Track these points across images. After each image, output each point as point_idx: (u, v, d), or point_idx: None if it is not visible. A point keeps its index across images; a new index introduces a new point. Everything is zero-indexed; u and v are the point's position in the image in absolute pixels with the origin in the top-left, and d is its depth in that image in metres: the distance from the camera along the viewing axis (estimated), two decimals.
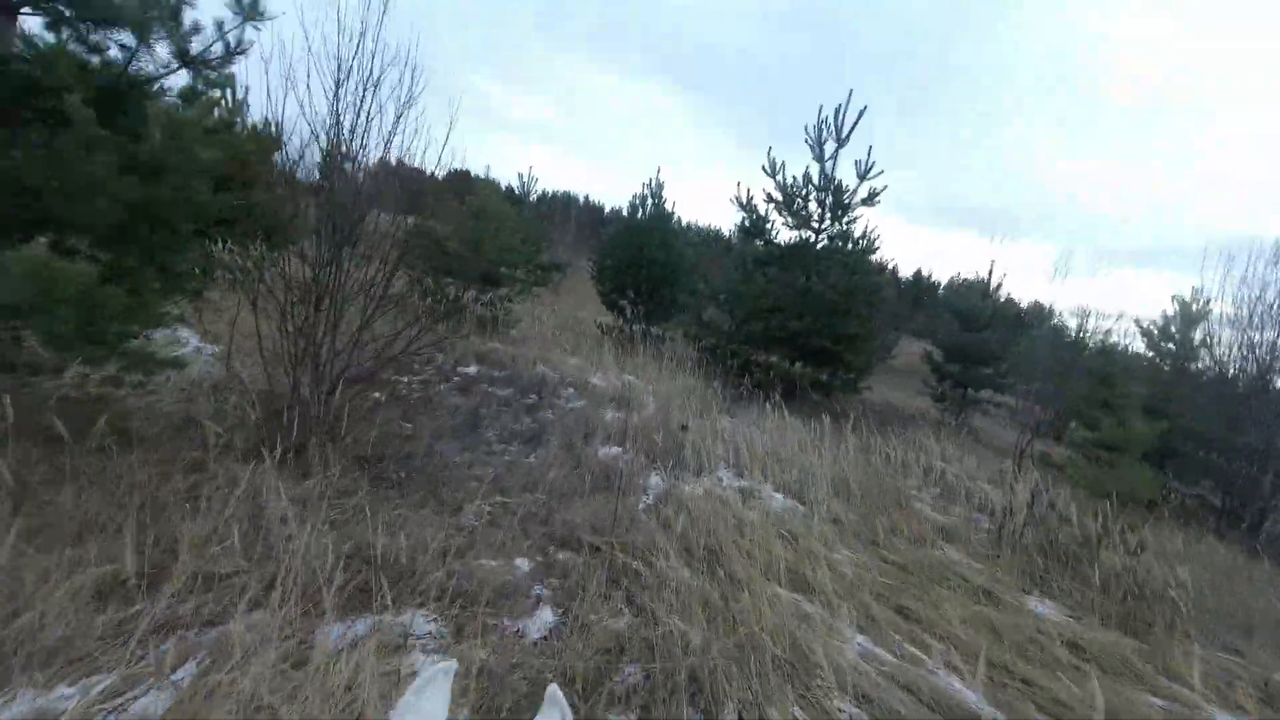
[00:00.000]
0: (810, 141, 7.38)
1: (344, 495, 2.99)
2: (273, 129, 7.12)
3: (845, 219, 7.31)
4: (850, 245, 7.29)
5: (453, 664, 0.79)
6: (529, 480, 3.59)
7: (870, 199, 7.10)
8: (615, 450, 4.43)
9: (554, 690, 0.80)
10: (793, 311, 7.17)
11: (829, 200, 7.27)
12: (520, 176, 13.72)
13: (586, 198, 24.33)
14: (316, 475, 3.09)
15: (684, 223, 10.71)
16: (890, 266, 7.59)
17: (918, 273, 25.55)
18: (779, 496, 4.13)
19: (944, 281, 27.89)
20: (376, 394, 4.67)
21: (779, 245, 7.72)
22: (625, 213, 10.29)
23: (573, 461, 4.04)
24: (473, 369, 5.97)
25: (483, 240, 7.06)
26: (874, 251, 7.36)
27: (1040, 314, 14.06)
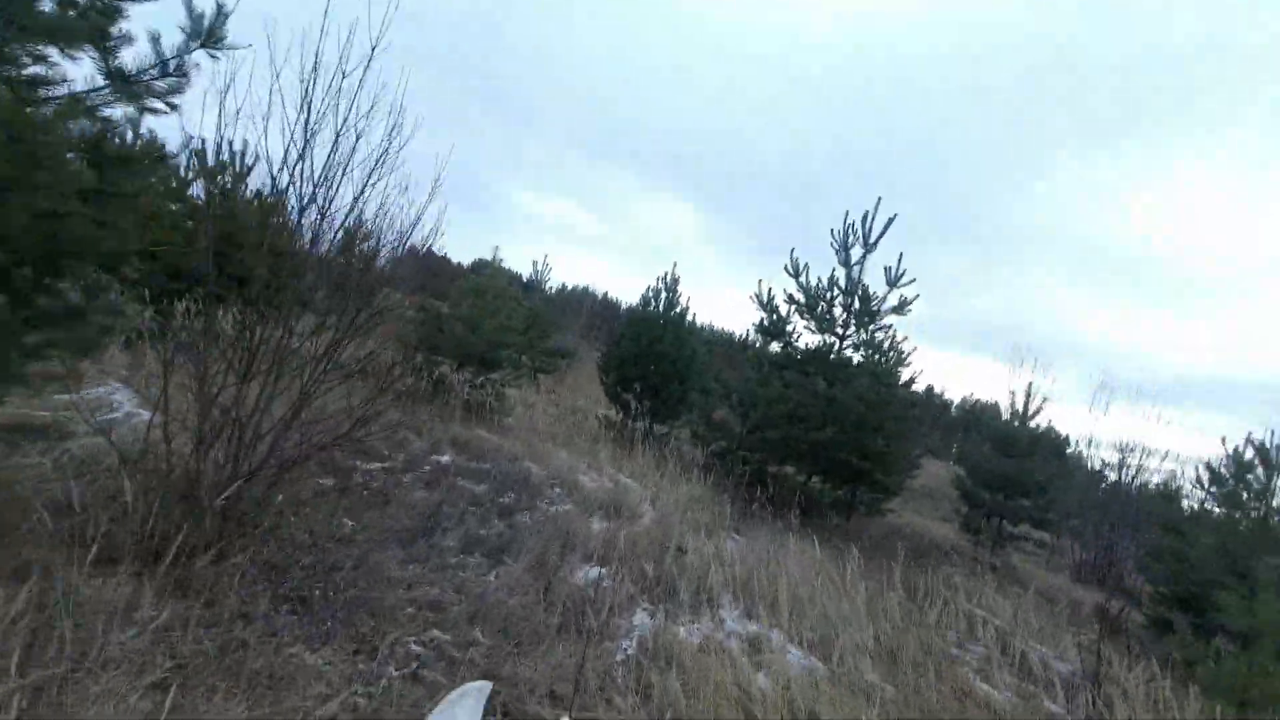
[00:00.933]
0: (836, 246, 7.14)
1: (229, 621, 2.30)
2: (266, 197, 6.79)
3: (872, 326, 6.89)
4: (878, 355, 6.81)
5: (488, 685, 0.88)
6: (481, 609, 2.86)
7: (901, 307, 6.72)
8: (596, 572, 3.69)
9: (481, 686, 0.81)
10: (814, 421, 6.56)
11: (855, 306, 6.89)
12: (534, 264, 13.80)
13: (605, 294, 24.57)
14: (206, 590, 2.42)
15: (698, 323, 10.44)
16: (911, 380, 6.98)
17: (929, 389, 25.02)
18: (796, 652, 3.32)
19: (955, 401, 27.23)
20: (326, 480, 4.05)
21: (799, 349, 7.27)
22: (639, 306, 10.03)
23: (542, 584, 3.31)
24: (447, 458, 5.34)
25: (479, 319, 6.68)
26: (904, 364, 6.86)
27: (1070, 446, 13.31)
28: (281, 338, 2.82)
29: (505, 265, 7.27)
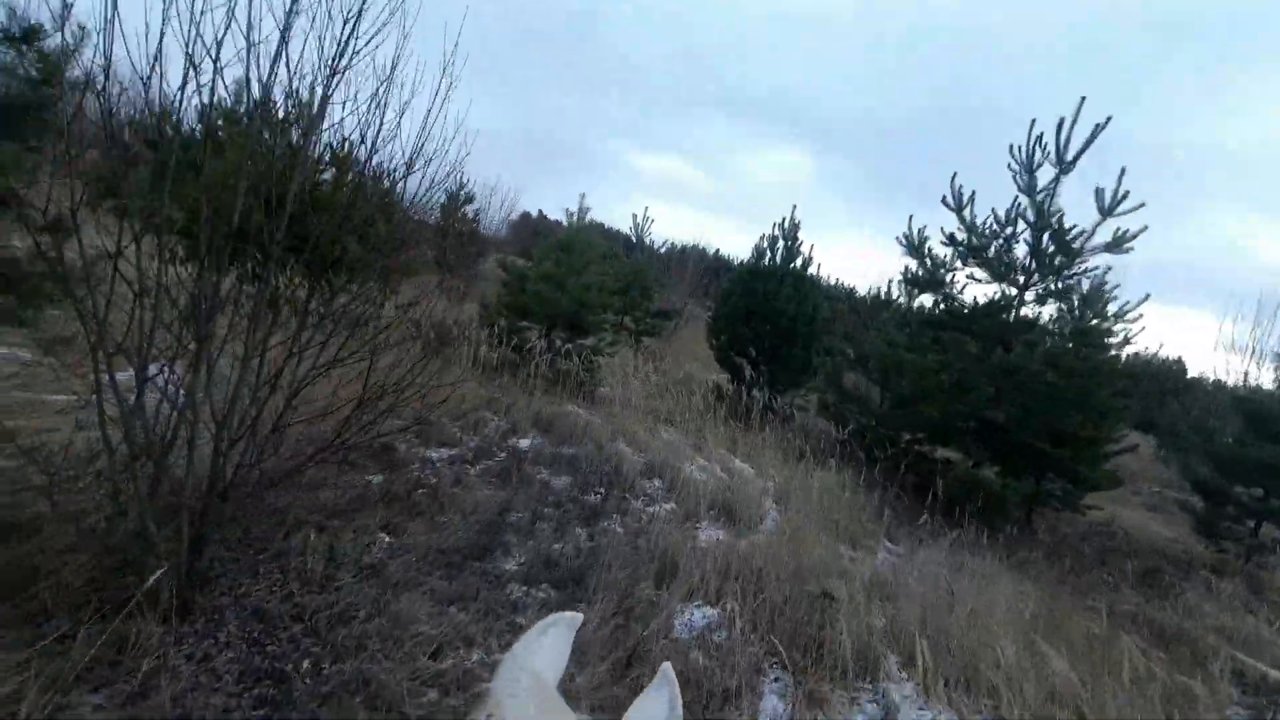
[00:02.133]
0: (1017, 167, 5.39)
1: (170, 705, 1.58)
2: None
3: (1069, 272, 5.14)
4: (1079, 308, 5.09)
5: (579, 616, 0.75)
6: None
7: (1118, 243, 4.90)
8: (705, 617, 2.70)
9: (666, 668, 0.72)
10: (983, 394, 5.06)
11: (1045, 245, 5.17)
12: (634, 219, 12.77)
13: (716, 251, 23.10)
14: (145, 664, 1.73)
15: (822, 276, 8.91)
16: (1125, 339, 5.12)
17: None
18: None
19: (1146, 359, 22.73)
20: (373, 476, 3.38)
21: (962, 303, 5.68)
22: (751, 259, 8.71)
23: (627, 640, 2.38)
24: (527, 441, 4.57)
25: (564, 278, 5.82)
26: (1119, 318, 5.07)
27: None
28: (267, 293, 2.03)
29: (593, 217, 6.28)
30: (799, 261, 8.13)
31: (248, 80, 2.03)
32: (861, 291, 22.18)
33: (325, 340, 2.37)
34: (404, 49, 2.28)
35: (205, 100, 1.97)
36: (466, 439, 4.37)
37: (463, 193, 16.92)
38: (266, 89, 2.10)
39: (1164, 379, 18.38)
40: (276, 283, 2.39)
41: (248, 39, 1.93)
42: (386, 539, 2.77)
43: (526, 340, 6.34)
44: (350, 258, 5.76)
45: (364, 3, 2.24)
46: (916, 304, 6.49)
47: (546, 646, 0.69)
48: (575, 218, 6.27)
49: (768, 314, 7.82)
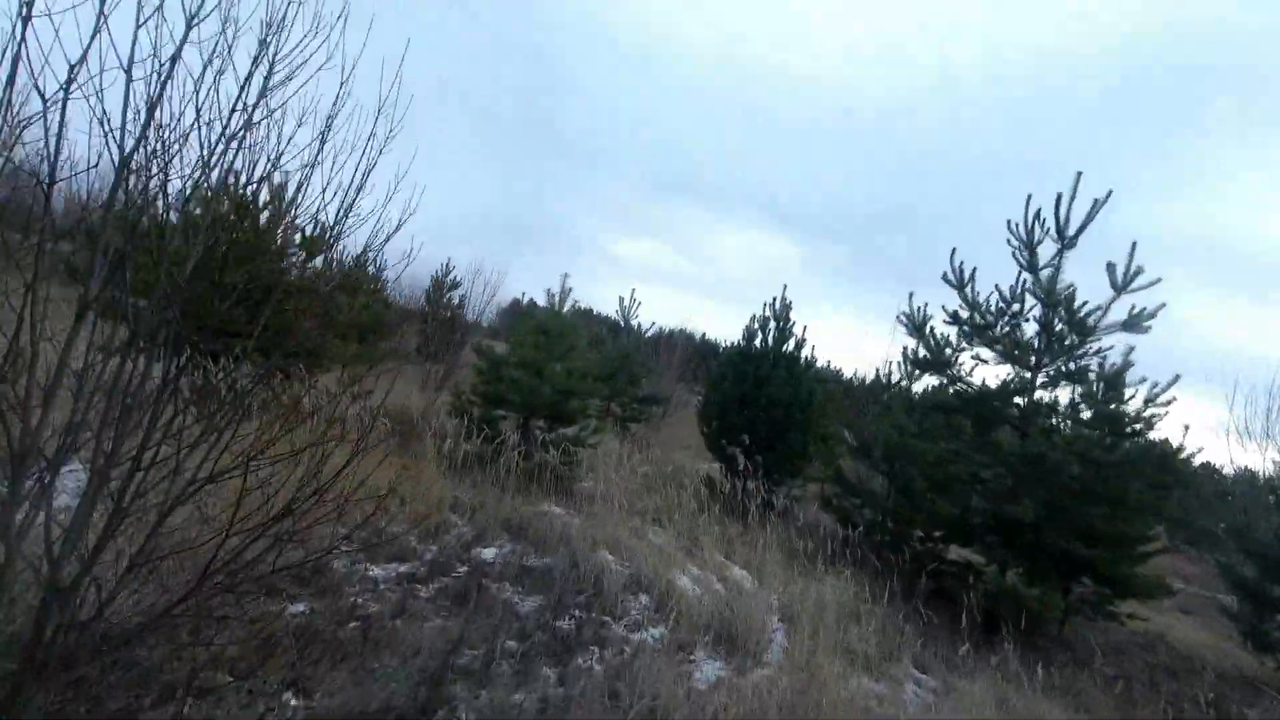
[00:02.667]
0: (1017, 244, 5.24)
1: None
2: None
3: (1080, 352, 4.84)
4: (1098, 391, 4.75)
5: None
6: None
7: (1135, 322, 4.62)
8: None
9: None
10: (999, 487, 4.59)
11: (1056, 322, 4.90)
12: (620, 301, 12.64)
13: (703, 335, 23.11)
14: None
15: (815, 359, 8.59)
16: (1149, 421, 4.75)
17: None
18: None
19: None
20: (297, 606, 2.78)
21: (973, 386, 5.32)
22: (739, 343, 8.42)
23: None
24: (493, 551, 3.98)
25: (543, 364, 5.43)
26: (1149, 404, 4.69)
27: None
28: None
29: (576, 300, 6.00)
30: (791, 344, 7.85)
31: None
32: (850, 374, 22.06)
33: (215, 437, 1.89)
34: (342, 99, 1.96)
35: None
36: (422, 550, 3.78)
37: (448, 279, 17.01)
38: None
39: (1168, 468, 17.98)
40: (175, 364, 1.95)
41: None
42: (293, 702, 2.16)
43: (501, 431, 5.85)
44: (309, 344, 5.33)
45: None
46: (920, 386, 6.14)
47: None
48: (556, 299, 5.96)
49: (760, 400, 7.42)
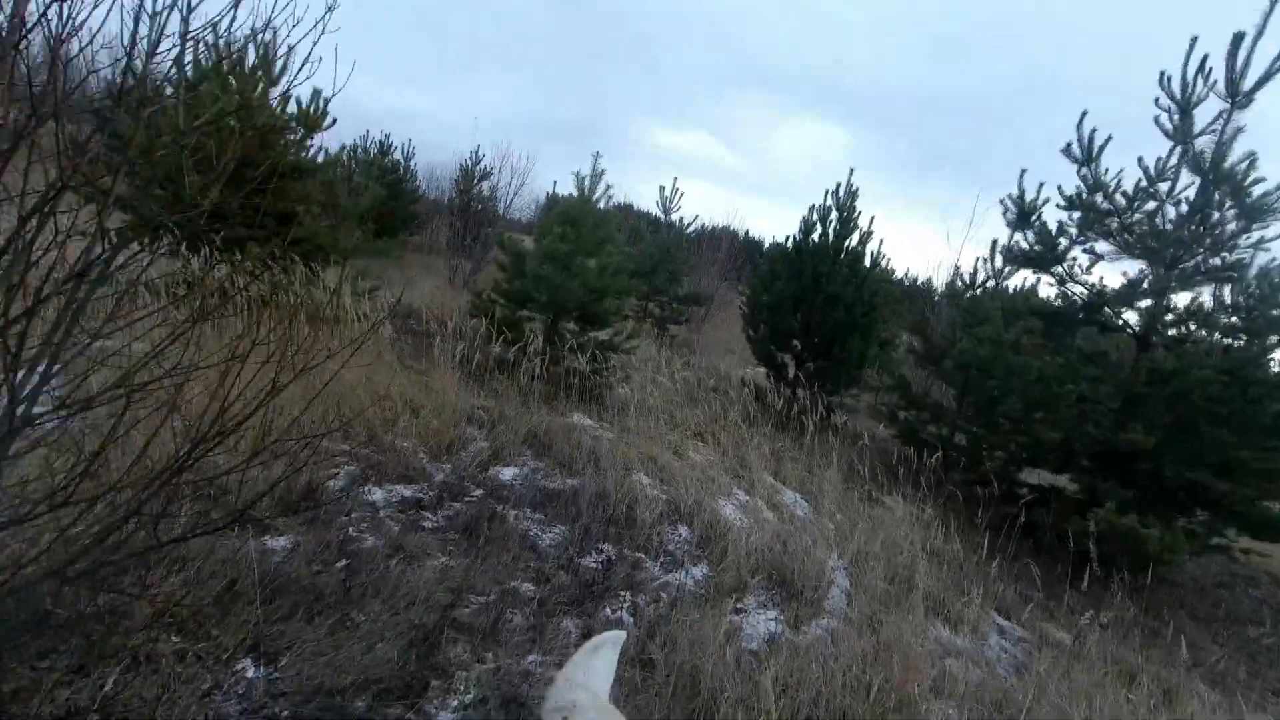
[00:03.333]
0: (1169, 105, 4.08)
1: None
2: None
3: (1247, 236, 3.85)
4: (1256, 295, 3.80)
5: (622, 634, 0.81)
6: None
7: None
8: None
9: (618, 636, 0.80)
10: (1107, 411, 3.83)
11: (1213, 210, 3.87)
12: (661, 191, 11.54)
13: (747, 232, 21.71)
14: None
15: (882, 256, 7.52)
16: None
17: None
18: None
19: None
20: (277, 540, 2.38)
21: (1085, 286, 4.40)
22: (794, 237, 7.46)
23: None
24: (513, 471, 3.54)
25: (571, 258, 4.75)
26: None
27: None
28: None
29: (612, 191, 5.20)
30: (855, 238, 6.89)
31: None
32: (902, 274, 20.65)
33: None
34: None
35: None
36: (433, 469, 3.36)
37: (478, 168, 16.00)
38: None
39: None
40: None
41: None
42: (250, 672, 1.76)
43: (526, 333, 5.30)
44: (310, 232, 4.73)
45: None
46: (1015, 285, 5.24)
47: (598, 665, 0.75)
48: (586, 183, 5.16)
49: (818, 300, 6.62)
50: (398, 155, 15.23)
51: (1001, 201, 4.68)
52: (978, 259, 5.36)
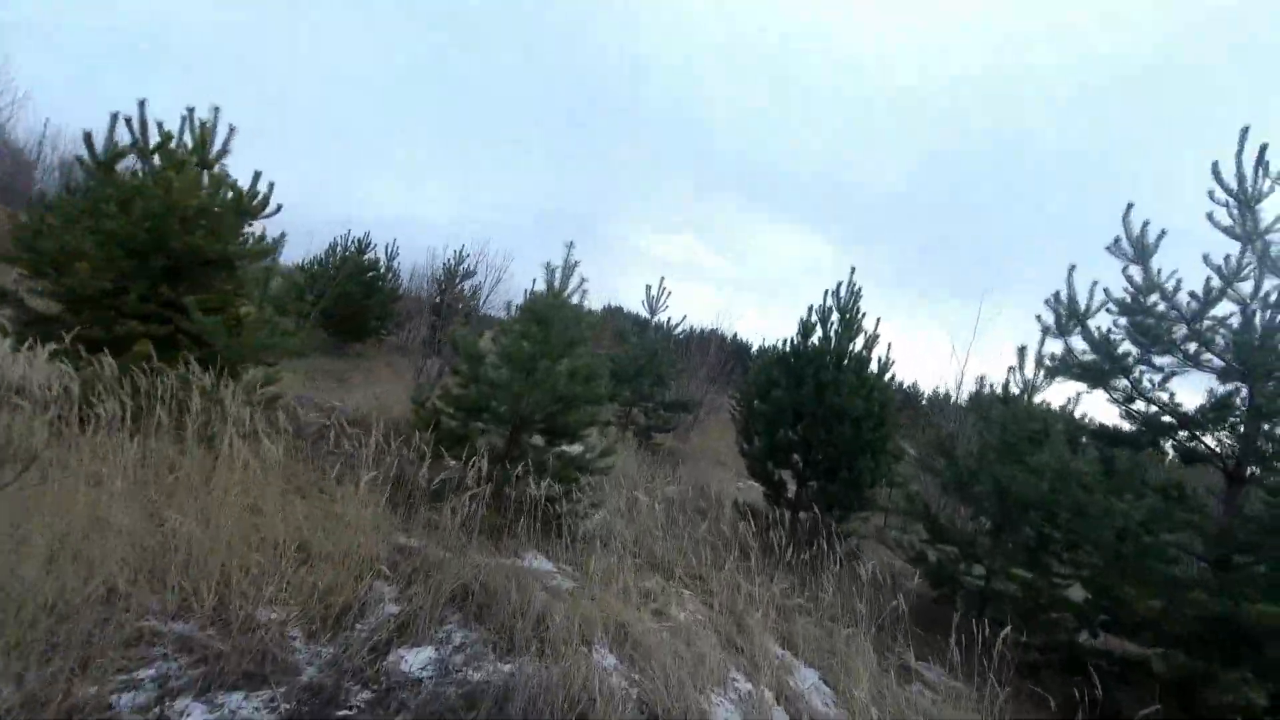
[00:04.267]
0: (1225, 198, 3.60)
1: None
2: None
3: None
4: None
5: None
6: None
7: None
8: None
9: None
10: (1214, 567, 2.98)
11: None
12: (647, 291, 11.13)
13: (735, 335, 21.47)
14: None
15: (885, 359, 6.89)
16: None
17: None
18: None
19: None
20: None
21: (1165, 407, 3.69)
22: (792, 340, 6.85)
23: None
24: (422, 656, 2.58)
25: (535, 362, 4.03)
26: None
27: None
28: None
29: (581, 275, 4.59)
30: (860, 341, 6.29)
31: None
32: (903, 385, 20.23)
33: None
34: None
35: None
36: (305, 657, 2.39)
37: (461, 267, 15.77)
38: None
39: None
40: None
41: None
42: None
43: (479, 449, 4.44)
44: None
45: None
46: (1044, 399, 4.53)
47: None
48: (558, 276, 4.55)
49: (820, 412, 5.88)
50: (378, 254, 14.97)
51: (1047, 301, 4.08)
52: (1010, 369, 4.71)
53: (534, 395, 4.40)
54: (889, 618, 4.14)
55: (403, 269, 17.81)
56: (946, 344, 33.01)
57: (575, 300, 4.69)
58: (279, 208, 5.42)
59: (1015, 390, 4.75)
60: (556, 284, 4.63)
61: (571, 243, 4.64)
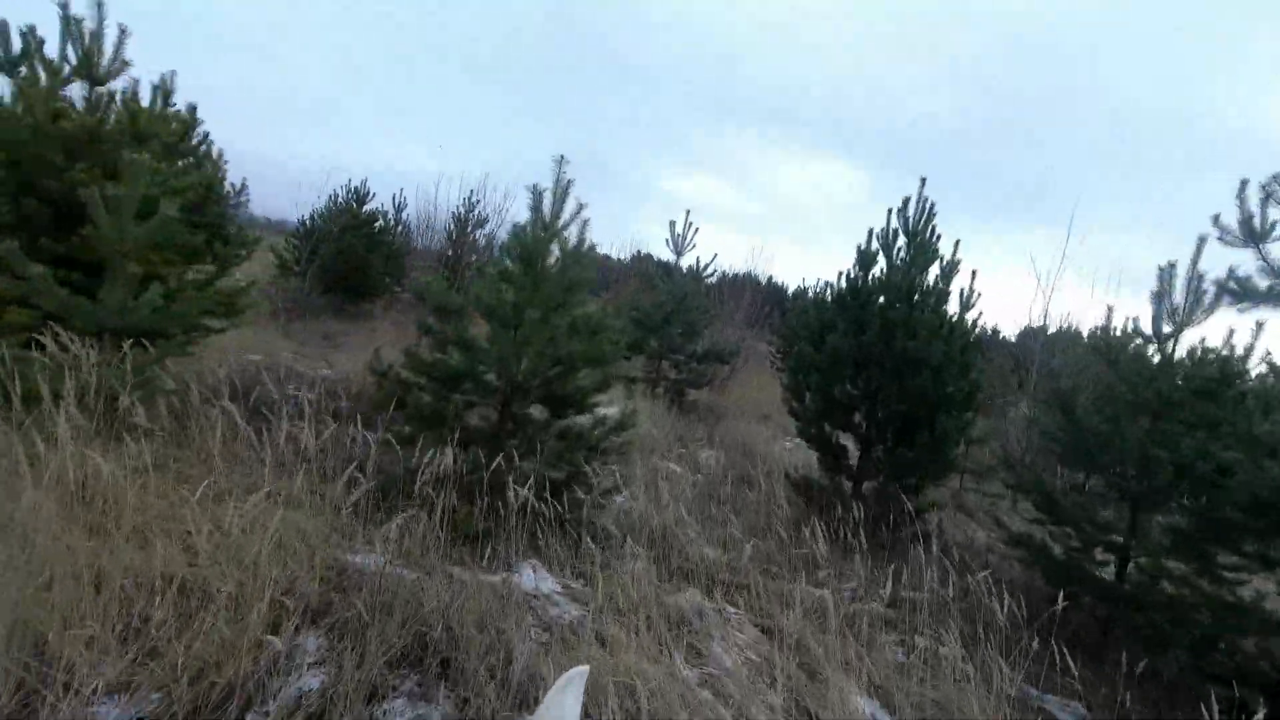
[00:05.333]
0: None
1: None
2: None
3: None
4: None
5: (586, 669, 0.97)
6: None
7: None
8: None
9: (581, 671, 0.96)
10: None
11: None
12: (671, 228, 9.90)
13: (769, 278, 20.01)
14: None
15: (967, 293, 5.69)
16: None
17: None
18: None
19: None
20: None
21: None
22: (848, 274, 5.69)
23: None
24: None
25: (528, 315, 3.07)
26: None
27: None
28: None
29: (578, 202, 3.55)
30: (935, 270, 5.11)
31: None
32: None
33: None
34: None
35: None
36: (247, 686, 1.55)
37: (473, 214, 14.72)
38: None
39: None
40: None
41: None
42: None
43: (458, 426, 3.55)
44: None
45: None
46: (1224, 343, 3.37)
47: (568, 701, 0.93)
48: (547, 203, 3.52)
49: (888, 360, 4.80)
50: (378, 205, 13.99)
51: (1238, 199, 2.90)
52: (1156, 295, 3.51)
53: (523, 356, 3.46)
54: (993, 623, 3.18)
55: (419, 223, 17.00)
56: (1019, 277, 30.34)
57: (572, 233, 3.66)
58: (206, 136, 4.49)
59: (1163, 326, 3.58)
60: (547, 212, 3.60)
61: (563, 157, 3.57)
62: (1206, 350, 3.41)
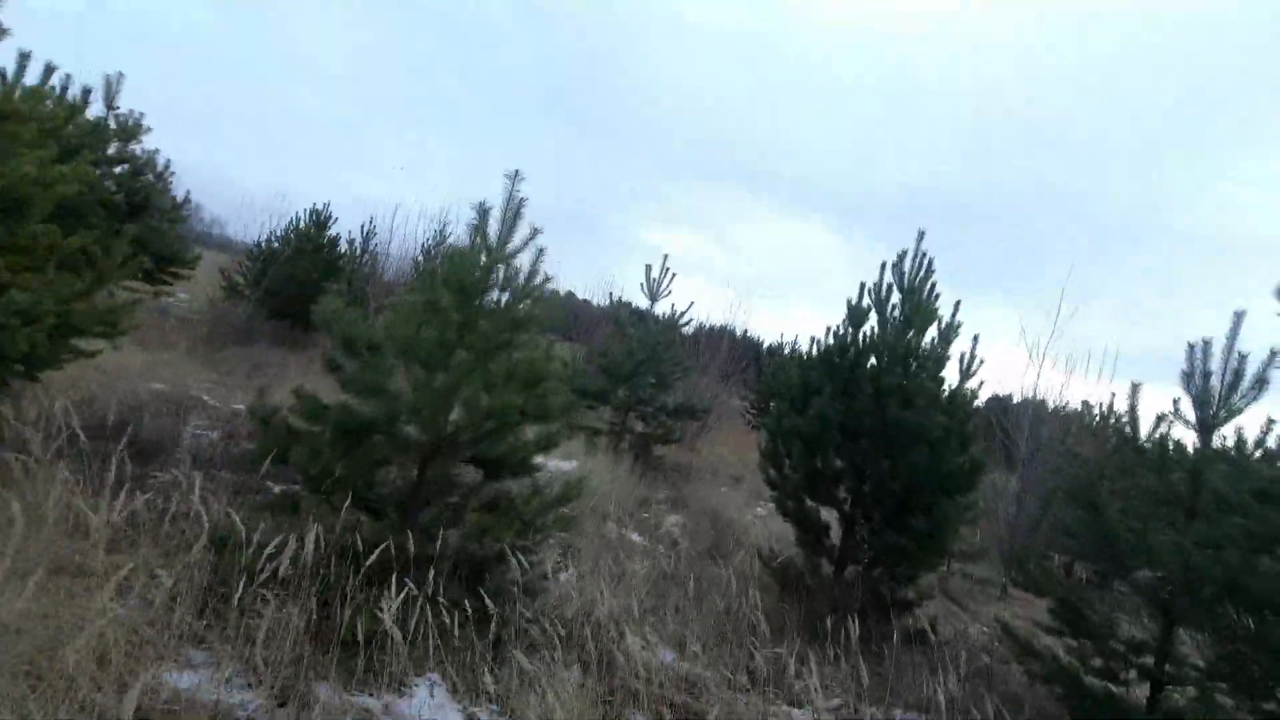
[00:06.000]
0: None
1: None
2: None
3: None
4: None
5: None
6: None
7: None
8: None
9: None
10: None
11: None
12: (647, 273, 9.43)
13: (744, 332, 19.57)
14: None
15: (968, 359, 5.29)
16: None
17: None
18: None
19: None
20: None
21: None
22: (835, 332, 5.22)
23: None
24: None
25: (450, 360, 2.47)
26: None
27: None
28: None
29: (532, 226, 2.98)
30: (931, 334, 4.67)
31: None
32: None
33: None
34: None
35: None
36: None
37: (443, 247, 14.19)
38: None
39: None
40: None
41: None
42: None
43: (371, 480, 2.87)
44: None
45: None
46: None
47: None
48: (494, 221, 2.97)
49: (880, 430, 4.27)
50: (345, 232, 13.36)
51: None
52: (1186, 375, 3.08)
53: (453, 406, 2.83)
54: None
55: (393, 254, 16.54)
56: (1011, 347, 30.48)
57: (524, 262, 3.10)
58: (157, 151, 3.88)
59: (1197, 412, 3.12)
60: (493, 235, 3.03)
61: (517, 172, 3.04)
62: (1259, 442, 2.96)
